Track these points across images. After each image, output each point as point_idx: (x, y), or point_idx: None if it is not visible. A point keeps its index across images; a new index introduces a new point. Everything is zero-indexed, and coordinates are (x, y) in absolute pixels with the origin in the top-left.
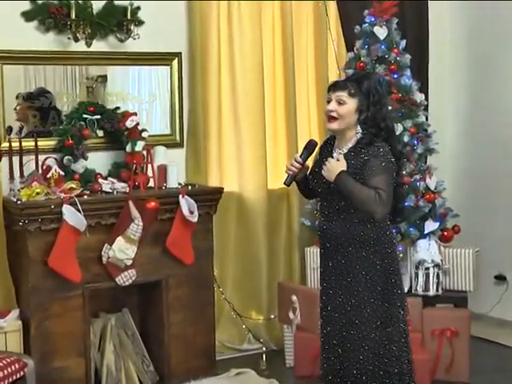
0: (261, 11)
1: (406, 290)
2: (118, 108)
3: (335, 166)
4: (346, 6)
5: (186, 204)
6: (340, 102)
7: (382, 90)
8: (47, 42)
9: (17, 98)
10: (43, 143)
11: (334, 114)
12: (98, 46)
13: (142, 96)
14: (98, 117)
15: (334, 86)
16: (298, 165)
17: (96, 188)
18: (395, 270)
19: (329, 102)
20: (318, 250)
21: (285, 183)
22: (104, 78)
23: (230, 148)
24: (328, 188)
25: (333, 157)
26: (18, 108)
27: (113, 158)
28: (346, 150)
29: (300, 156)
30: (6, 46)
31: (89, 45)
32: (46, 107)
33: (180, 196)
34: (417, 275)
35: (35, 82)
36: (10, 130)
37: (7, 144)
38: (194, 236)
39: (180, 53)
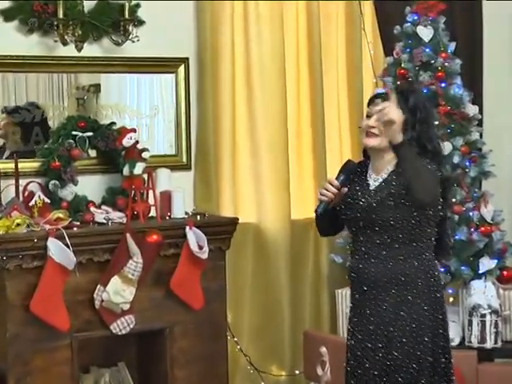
0: (282, 12)
1: (457, 341)
2: (113, 123)
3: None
4: (384, 2)
5: (194, 237)
6: None
7: (431, 107)
8: (30, 45)
9: (2, 112)
10: (25, 165)
11: (375, 131)
12: (90, 50)
13: (142, 109)
14: (90, 134)
15: (377, 99)
16: (334, 189)
17: (87, 218)
18: (444, 317)
19: (369, 116)
20: (350, 294)
21: (316, 212)
22: (97, 87)
23: (246, 171)
24: (368, 218)
25: (368, 184)
26: (2, 123)
27: (107, 183)
28: (386, 175)
29: (336, 179)
30: None
31: (79, 49)
32: (28, 122)
33: (187, 228)
34: (470, 323)
35: (15, 93)
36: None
37: None
38: (204, 275)
39: (187, 58)
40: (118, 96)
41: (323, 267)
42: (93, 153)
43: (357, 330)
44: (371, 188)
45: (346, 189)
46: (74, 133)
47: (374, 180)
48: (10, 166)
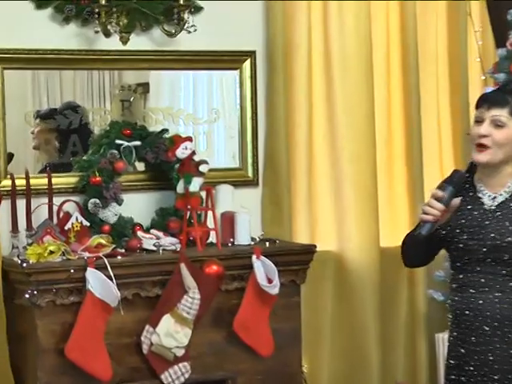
0: None
1: None
2: (164, 131)
3: None
4: None
5: (262, 268)
6: (497, 124)
7: None
8: (66, 37)
9: (35, 117)
10: (60, 180)
11: (486, 142)
12: (138, 42)
13: (200, 113)
14: (138, 143)
15: (489, 101)
16: (440, 206)
17: (134, 245)
18: None
19: (479, 122)
20: (454, 337)
21: (419, 234)
22: (145, 87)
23: (325, 188)
24: (496, 248)
25: (482, 202)
26: (36, 131)
27: (158, 203)
28: (505, 195)
29: (441, 191)
30: (7, 43)
31: (124, 41)
32: (63, 129)
33: (254, 257)
34: None
35: (47, 94)
36: (10, 158)
37: (9, 182)
38: (274, 315)
39: (253, 52)
40: (170, 98)
41: (420, 306)
42: (140, 166)
43: (472, 381)
44: (487, 207)
45: (458, 200)
46: (118, 142)
47: (489, 198)
48: (42, 181)
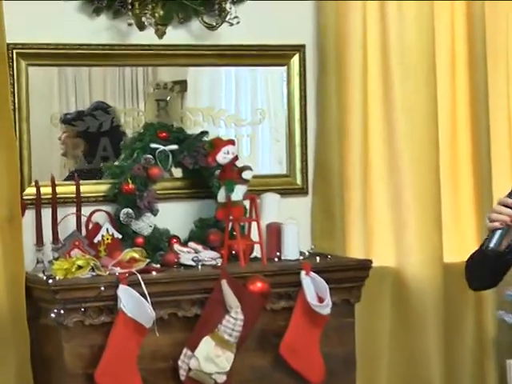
0: None
1: None
2: (204, 133)
3: None
4: None
5: (311, 286)
6: None
7: None
8: (96, 30)
9: (62, 120)
10: (89, 188)
11: None
12: (175, 36)
13: (243, 114)
14: (174, 147)
15: None
16: (509, 211)
17: (170, 259)
18: None
19: None
20: None
21: (487, 248)
22: (183, 85)
23: (382, 196)
24: None
25: None
26: (63, 136)
27: (196, 213)
28: None
29: (510, 197)
30: (32, 37)
31: (160, 34)
32: (93, 132)
33: (303, 273)
34: None
35: (75, 93)
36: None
37: (34, 190)
38: (325, 338)
39: (303, 46)
40: (210, 97)
41: (488, 329)
42: (177, 172)
43: None
44: None
45: None
46: (152, 146)
47: None
48: (69, 189)
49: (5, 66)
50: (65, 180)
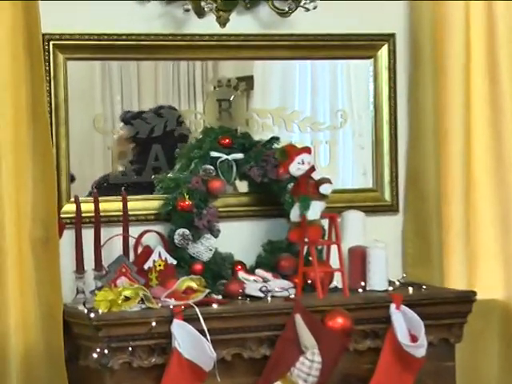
0: None
1: None
2: (274, 139)
3: None
4: None
5: (403, 323)
6: None
7: None
8: (146, 18)
9: (123, 120)
10: (138, 205)
11: None
12: (240, 23)
13: (320, 116)
14: (239, 156)
15: None
16: None
17: (234, 289)
18: None
19: None
20: None
21: None
22: (249, 82)
23: (488, 216)
24: None
25: None
26: (117, 138)
27: (265, 234)
28: None
29: None
30: (71, 26)
31: (223, 22)
32: (143, 138)
33: (392, 307)
34: None
35: (121, 91)
36: (71, 179)
37: (73, 206)
38: None
39: (392, 35)
40: (281, 96)
41: None
42: (243, 186)
43: None
44: None
45: None
46: (213, 154)
47: None
48: (115, 206)
49: (40, 60)
50: (109, 195)
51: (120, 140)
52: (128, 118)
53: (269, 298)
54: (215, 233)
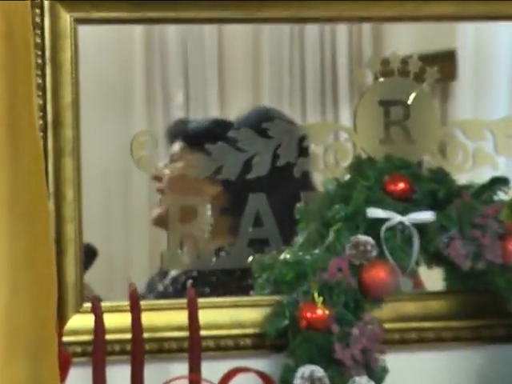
0: None
1: None
2: (501, 182)
3: None
4: None
5: None
6: None
7: None
8: None
9: (185, 140)
10: (218, 316)
11: None
12: None
13: None
14: (427, 217)
15: None
16: None
17: None
18: None
19: None
20: None
21: None
22: (447, 64)
23: None
24: None
25: None
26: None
27: (484, 370)
28: None
29: None
30: None
31: None
32: (230, 181)
33: None
34: None
35: (185, 81)
36: (91, 256)
37: (88, 318)
38: None
39: None
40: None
41: None
42: (431, 276)
43: None
44: None
45: None
46: (373, 213)
47: None
48: (169, 318)
49: (26, 26)
50: (167, 297)
51: (175, 181)
52: (194, 137)
53: None
54: (378, 373)
